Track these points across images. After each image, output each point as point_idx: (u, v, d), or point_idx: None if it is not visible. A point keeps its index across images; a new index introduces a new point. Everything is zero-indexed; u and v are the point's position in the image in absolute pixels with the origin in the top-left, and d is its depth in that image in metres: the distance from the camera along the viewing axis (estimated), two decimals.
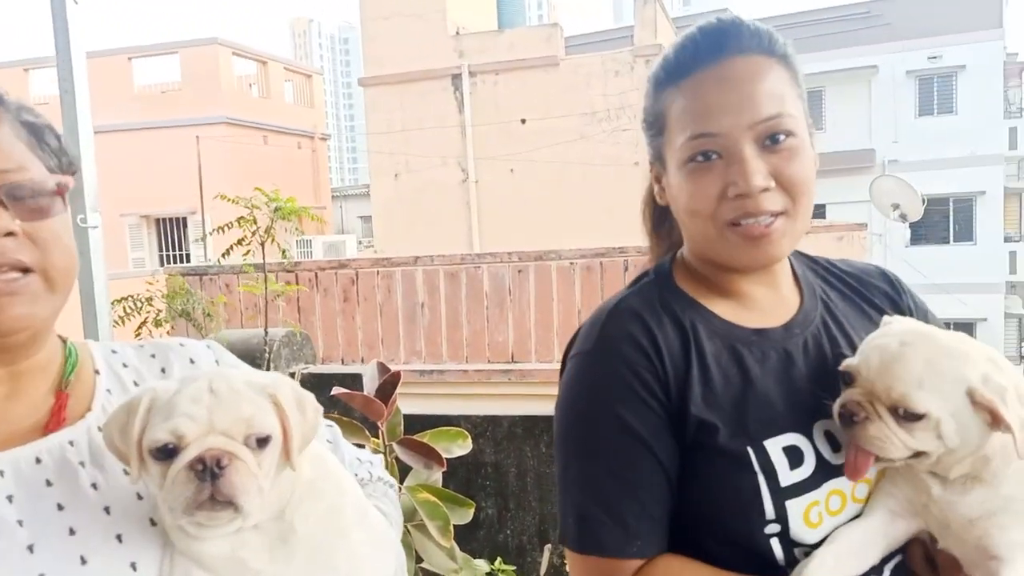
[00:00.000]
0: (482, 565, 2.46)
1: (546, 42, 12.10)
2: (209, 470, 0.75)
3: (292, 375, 3.12)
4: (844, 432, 0.97)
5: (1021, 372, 1.03)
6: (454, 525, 2.54)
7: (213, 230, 2.69)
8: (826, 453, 0.99)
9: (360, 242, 17.64)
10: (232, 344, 2.99)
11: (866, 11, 21.90)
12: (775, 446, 0.97)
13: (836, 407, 0.97)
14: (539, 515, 2.96)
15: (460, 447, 2.64)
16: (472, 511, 2.57)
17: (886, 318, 1.06)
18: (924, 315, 1.14)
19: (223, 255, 2.66)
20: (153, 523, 0.83)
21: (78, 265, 0.89)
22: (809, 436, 0.99)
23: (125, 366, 0.96)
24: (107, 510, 0.82)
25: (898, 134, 21.53)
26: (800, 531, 0.95)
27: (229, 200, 2.66)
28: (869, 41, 21.43)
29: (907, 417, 0.91)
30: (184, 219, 14.66)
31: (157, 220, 14.52)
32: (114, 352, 0.98)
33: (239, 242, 2.67)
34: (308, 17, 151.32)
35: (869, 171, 19.13)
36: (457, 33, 12.41)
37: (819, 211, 21.37)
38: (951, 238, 21.25)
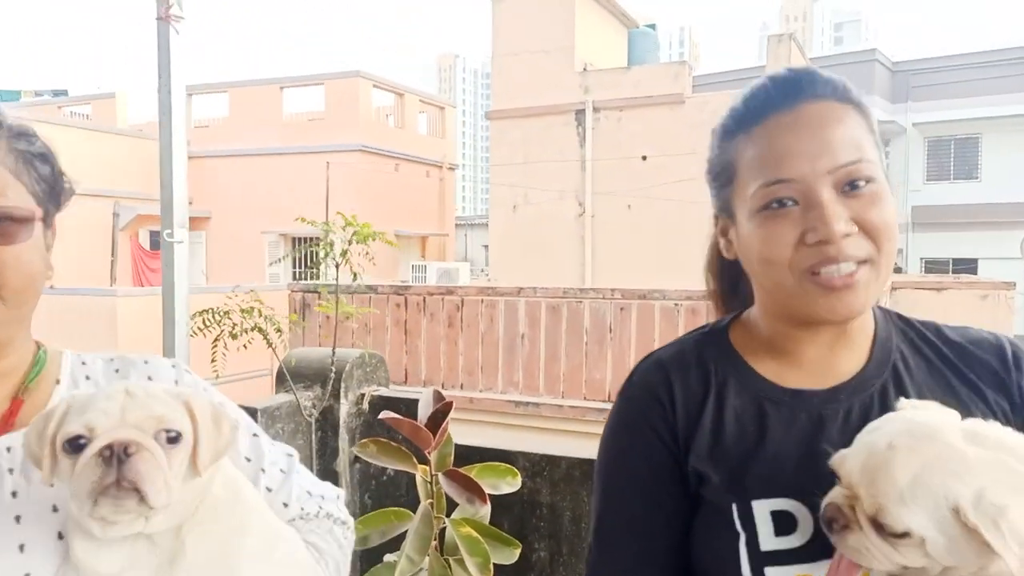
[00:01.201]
0: None
1: (673, 79, 11.98)
2: (116, 456, 0.76)
3: (362, 396, 3.19)
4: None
5: None
6: (501, 565, 2.50)
7: (285, 254, 2.79)
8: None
9: (483, 270, 17.98)
10: (300, 362, 3.09)
11: None
12: (763, 507, 0.92)
13: (822, 507, 0.88)
14: None
15: (509, 484, 2.60)
16: (518, 551, 2.51)
17: (901, 402, 0.93)
18: None
19: (299, 276, 2.75)
20: (60, 537, 0.84)
21: (38, 284, 0.93)
22: (813, 507, 0.90)
23: (88, 378, 1.00)
24: (17, 519, 0.84)
25: None
26: None
27: (308, 222, 2.77)
28: None
29: (893, 535, 0.81)
30: (317, 238, 15.50)
31: (294, 239, 15.39)
32: (83, 363, 1.02)
33: (314, 263, 2.76)
34: (455, 53, 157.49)
35: None
36: (584, 69, 12.52)
37: (970, 266, 19.89)
38: None
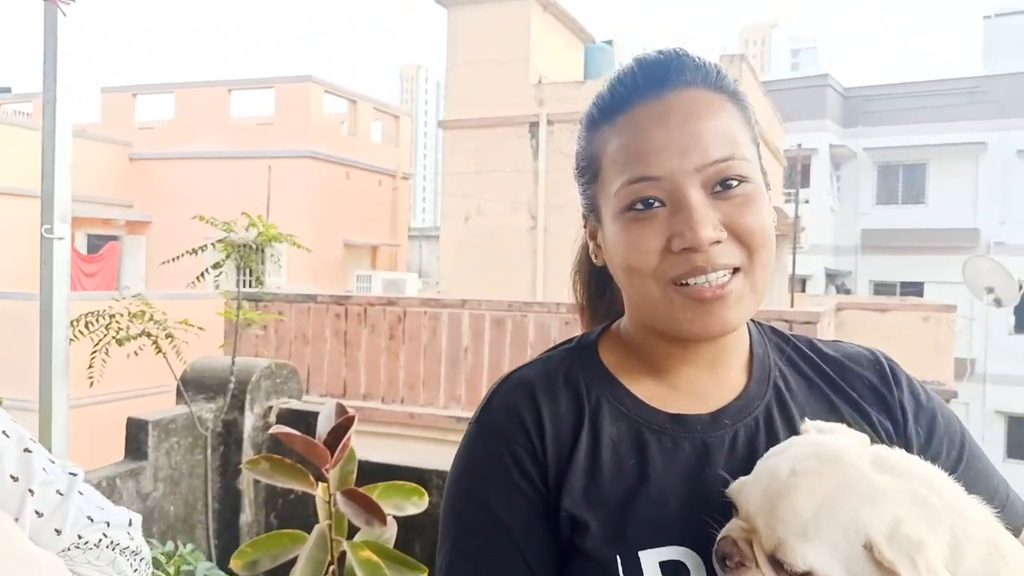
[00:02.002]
0: None
1: None
2: None
3: (269, 409, 2.99)
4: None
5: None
6: None
7: (182, 253, 2.59)
8: None
9: (438, 283, 17.76)
10: (203, 371, 2.88)
11: (975, 86, 21.02)
12: (651, 559, 0.79)
13: (716, 543, 0.77)
14: None
15: (415, 505, 2.43)
16: None
17: (805, 423, 0.82)
18: (930, 419, 0.90)
19: (197, 279, 2.56)
20: None
21: None
22: (704, 552, 0.79)
23: None
24: None
25: (1006, 215, 20.40)
26: None
27: (207, 221, 2.57)
28: (978, 117, 20.51)
29: (790, 571, 0.70)
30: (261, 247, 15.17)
31: (239, 247, 15.00)
32: None
33: (215, 266, 2.56)
34: (417, 64, 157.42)
35: (972, 251, 18.05)
36: (539, 82, 12.46)
37: (916, 289, 20.32)
38: None
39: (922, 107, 21.67)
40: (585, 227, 0.96)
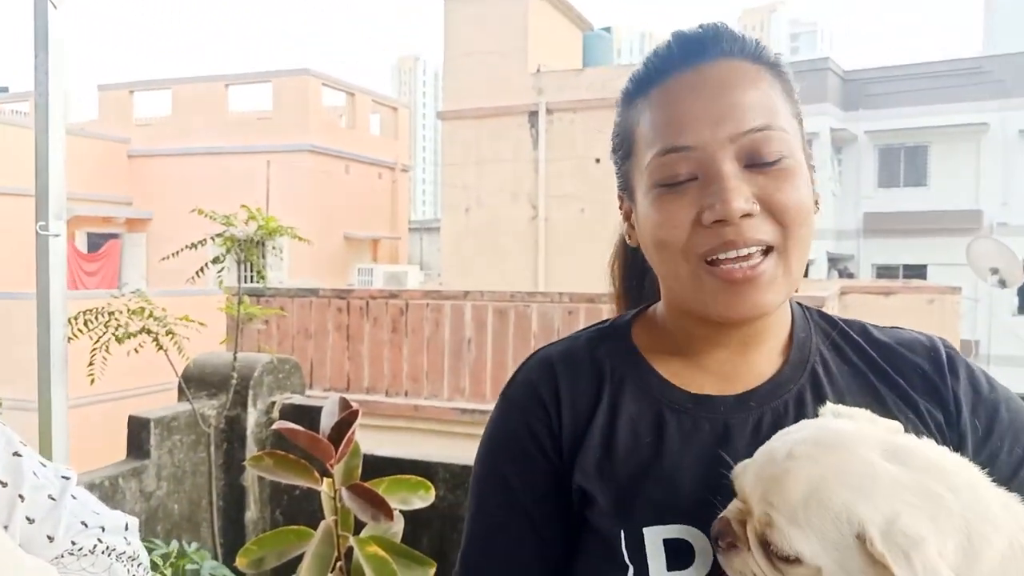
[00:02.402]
0: None
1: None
2: None
3: (272, 404, 2.97)
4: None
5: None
6: None
7: (181, 248, 2.56)
8: None
9: (439, 275, 17.74)
10: (205, 368, 2.86)
11: (977, 66, 20.88)
12: (655, 536, 0.78)
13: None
14: None
15: (421, 499, 2.40)
16: (432, 571, 2.32)
17: (825, 407, 0.79)
18: (991, 412, 0.84)
19: (196, 275, 2.53)
20: None
21: None
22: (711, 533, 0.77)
23: None
24: None
25: (1008, 195, 20.31)
26: None
27: (206, 215, 2.54)
28: (979, 98, 20.38)
29: (780, 558, 0.68)
30: (262, 240, 15.16)
31: (239, 241, 15.00)
32: None
33: (215, 261, 2.53)
34: (415, 55, 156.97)
35: (975, 233, 18.00)
36: (538, 71, 12.40)
37: (919, 272, 20.26)
38: None
39: (923, 89, 21.54)
40: (620, 208, 0.94)
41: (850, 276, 20.39)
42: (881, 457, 0.68)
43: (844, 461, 0.68)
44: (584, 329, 0.97)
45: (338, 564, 2.34)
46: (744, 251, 0.77)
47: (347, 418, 2.36)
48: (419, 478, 2.41)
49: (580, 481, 0.83)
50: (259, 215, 2.46)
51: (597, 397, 0.87)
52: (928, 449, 0.71)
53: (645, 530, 0.79)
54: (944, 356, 0.88)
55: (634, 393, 0.87)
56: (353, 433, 2.35)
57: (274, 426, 2.16)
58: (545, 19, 13.10)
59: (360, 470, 2.42)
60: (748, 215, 0.76)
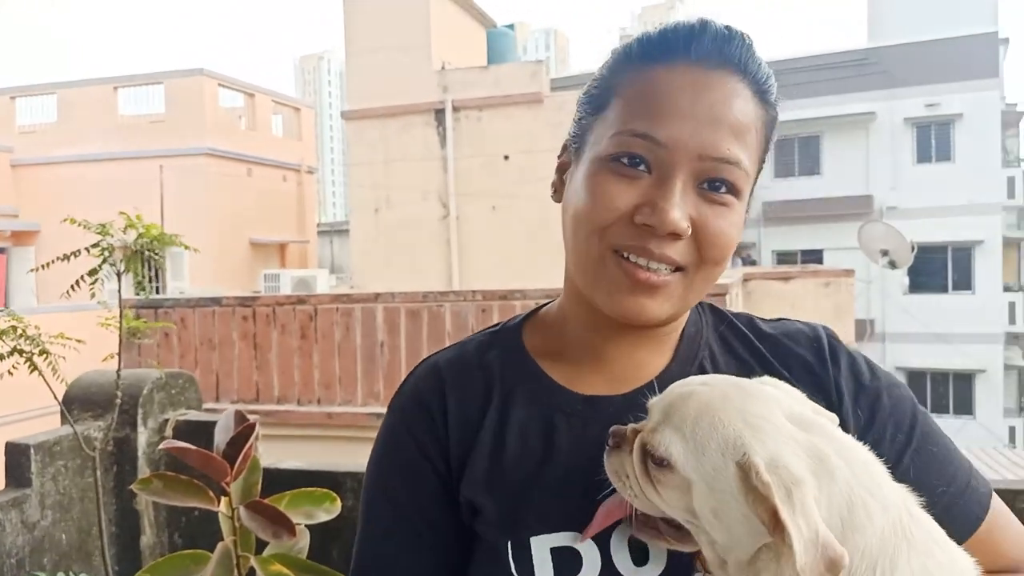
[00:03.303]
0: None
1: (531, 79, 11.97)
2: None
3: (165, 422, 2.80)
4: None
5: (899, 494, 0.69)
6: None
7: (52, 260, 2.38)
8: (623, 566, 0.76)
9: (352, 278, 17.39)
10: (89, 387, 2.67)
11: (863, 58, 21.96)
12: (542, 545, 0.77)
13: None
14: None
15: (326, 511, 2.31)
16: None
17: (764, 378, 0.78)
18: (873, 399, 0.84)
19: (71, 289, 2.35)
20: None
21: None
22: (603, 540, 0.77)
23: None
24: None
25: (896, 181, 21.46)
26: None
27: (79, 224, 2.37)
28: (867, 88, 21.46)
29: (654, 459, 0.69)
30: (143, 250, 14.51)
31: (118, 250, 14.30)
32: None
33: (91, 272, 2.36)
34: (318, 54, 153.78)
35: (867, 217, 18.95)
36: (442, 68, 12.32)
37: (816, 256, 21.19)
38: (949, 287, 21.01)
39: (814, 81, 22.50)
40: (559, 157, 0.89)
41: (752, 263, 21.15)
42: (785, 417, 0.68)
43: (748, 402, 0.69)
44: (475, 333, 0.95)
45: None
46: (654, 265, 0.76)
47: (244, 432, 2.24)
48: (324, 490, 2.31)
49: (467, 493, 0.81)
50: (138, 223, 2.30)
51: (486, 405, 0.85)
52: (833, 428, 0.71)
53: (532, 540, 0.77)
54: (827, 346, 0.88)
55: (524, 398, 0.85)
56: (251, 448, 2.24)
57: (162, 446, 2.02)
58: (448, 16, 13.02)
59: (260, 486, 2.31)
60: (676, 236, 0.75)
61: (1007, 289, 21.94)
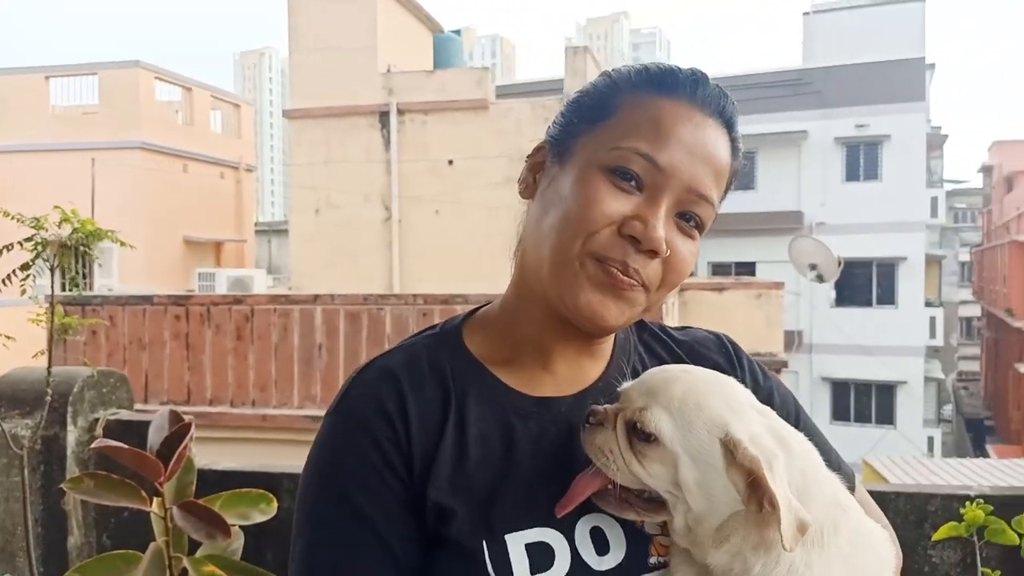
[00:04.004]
0: None
1: (477, 85, 12.03)
2: None
3: (95, 421, 2.75)
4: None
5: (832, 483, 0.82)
6: None
7: (32, 261, 2.29)
8: (588, 556, 0.81)
9: (290, 279, 17.09)
10: (16, 385, 2.61)
11: (798, 78, 22.69)
12: (517, 542, 0.80)
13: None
14: None
15: (262, 512, 2.29)
16: None
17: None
18: (768, 396, 0.97)
19: (3, 283, 2.30)
20: None
21: None
22: (568, 533, 0.82)
23: None
24: None
25: (826, 197, 22.19)
26: None
27: (12, 217, 2.32)
28: (800, 107, 22.16)
29: (640, 435, 0.77)
30: (78, 245, 14.02)
31: (61, 245, 13.79)
32: None
33: (23, 267, 2.31)
34: (260, 50, 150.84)
35: (797, 232, 19.56)
36: (388, 71, 12.27)
37: (749, 269, 21.76)
38: (874, 301, 21.81)
39: (751, 99, 23.14)
40: (532, 156, 0.93)
41: (690, 274, 21.58)
42: (748, 402, 0.81)
43: (725, 389, 0.80)
44: (414, 336, 0.96)
45: None
46: (624, 279, 0.82)
47: (178, 432, 2.22)
48: (260, 491, 2.30)
49: (435, 497, 0.82)
50: (74, 217, 2.26)
51: (445, 408, 0.86)
52: (781, 420, 0.83)
53: (507, 537, 0.80)
54: (732, 351, 1.01)
55: (479, 401, 0.87)
56: (186, 448, 2.22)
57: (94, 444, 1.99)
58: (395, 18, 12.99)
59: (195, 487, 2.29)
60: (655, 254, 0.82)
61: (928, 304, 22.92)
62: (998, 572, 1.94)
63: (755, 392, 0.92)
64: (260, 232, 20.48)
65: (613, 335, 0.95)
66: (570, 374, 0.92)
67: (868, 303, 21.82)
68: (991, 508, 1.95)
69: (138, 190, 14.25)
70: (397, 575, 0.82)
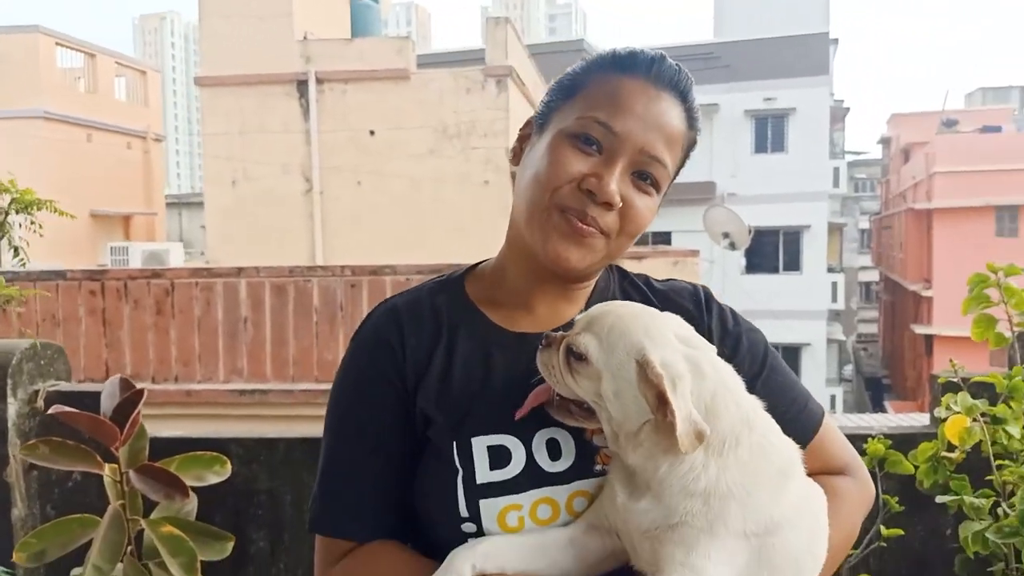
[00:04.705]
0: None
1: (398, 54, 11.88)
2: None
3: (35, 393, 2.72)
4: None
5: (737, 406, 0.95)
6: (212, 561, 2.27)
7: None
8: (541, 460, 0.98)
9: (202, 253, 16.57)
10: None
11: (709, 52, 23.26)
12: (480, 444, 0.98)
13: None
14: None
15: (216, 474, 2.36)
16: (231, 544, 2.30)
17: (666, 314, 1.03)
18: (735, 340, 1.12)
19: None
20: None
21: None
22: (527, 440, 0.99)
23: None
24: None
25: (736, 169, 22.91)
26: (494, 532, 0.95)
27: None
28: (712, 81, 22.73)
29: (575, 355, 0.93)
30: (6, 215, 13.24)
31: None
32: None
33: None
34: (160, 14, 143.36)
35: (710, 202, 20.17)
36: (305, 38, 11.97)
37: (664, 238, 22.32)
38: (780, 268, 22.77)
39: None
40: (522, 129, 1.10)
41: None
42: (674, 335, 0.94)
43: (649, 321, 0.95)
44: (426, 282, 1.16)
45: (128, 549, 2.25)
46: (583, 227, 0.98)
47: (131, 398, 2.26)
48: (213, 454, 2.36)
49: (423, 406, 1.02)
50: (12, 187, 2.23)
51: (436, 339, 1.06)
52: (707, 348, 0.97)
53: (472, 440, 0.99)
54: (703, 299, 1.16)
55: (467, 334, 1.06)
56: (139, 414, 2.26)
57: (51, 410, 2.01)
58: None
59: (147, 452, 2.33)
60: (610, 206, 0.98)
61: (830, 270, 24.11)
62: (895, 498, 2.18)
63: (722, 336, 1.11)
64: (170, 205, 19.76)
65: (594, 282, 1.12)
66: (548, 314, 1.09)
67: (775, 270, 22.78)
68: (890, 443, 2.20)
69: (40, 161, 13.50)
70: (390, 467, 1.02)
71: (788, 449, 0.96)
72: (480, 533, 0.96)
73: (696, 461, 0.88)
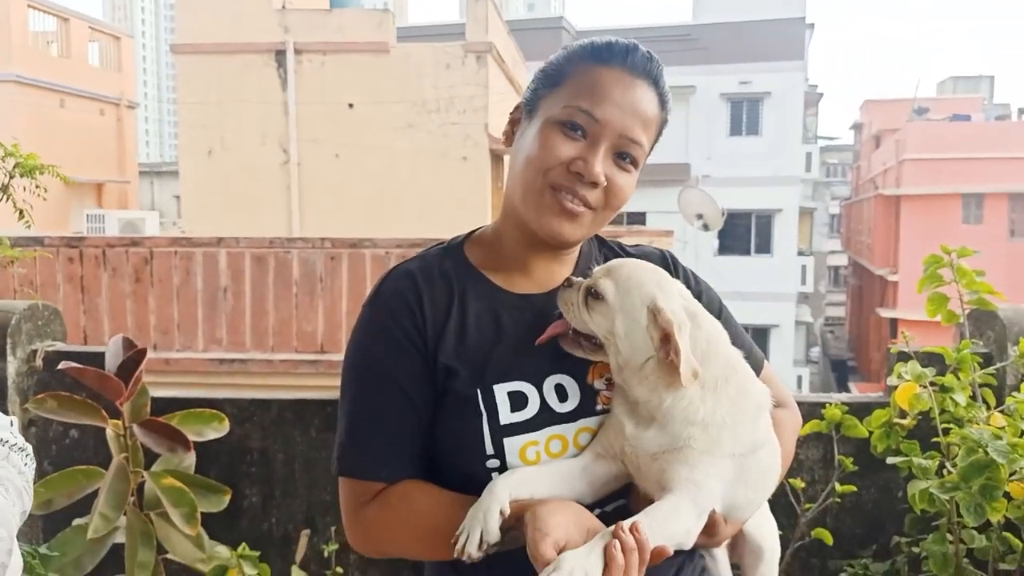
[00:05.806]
0: (223, 551, 2.31)
1: (377, 27, 11.84)
2: None
3: (35, 352, 2.80)
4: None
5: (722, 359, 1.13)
6: (210, 513, 2.39)
7: None
8: (552, 402, 1.14)
9: (175, 223, 16.43)
10: None
11: (687, 34, 23.33)
12: (502, 390, 1.12)
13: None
14: (307, 502, 2.84)
15: (215, 430, 2.47)
16: (227, 498, 2.42)
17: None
18: (697, 295, 1.26)
19: None
20: None
21: None
22: (539, 386, 1.14)
23: None
24: None
25: (711, 151, 23.09)
26: (516, 465, 1.09)
27: None
28: (688, 62, 22.82)
29: (593, 295, 1.10)
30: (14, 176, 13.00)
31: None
32: None
33: None
34: None
35: (684, 184, 20.35)
36: (283, 7, 11.87)
37: (640, 218, 22.52)
38: (752, 250, 23.08)
39: None
40: (512, 112, 1.23)
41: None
42: (678, 292, 1.13)
43: (660, 276, 1.13)
44: (429, 248, 1.28)
45: (131, 500, 2.37)
46: (576, 202, 1.13)
47: (134, 356, 2.36)
48: (212, 410, 2.47)
49: (444, 360, 1.14)
50: (16, 151, 2.30)
51: (450, 300, 1.18)
52: (702, 309, 1.16)
53: (494, 387, 1.13)
54: (670, 262, 1.33)
55: (475, 296, 1.20)
56: (141, 372, 2.36)
57: (60, 366, 2.11)
58: None
59: (149, 408, 2.44)
60: (595, 185, 1.12)
61: (800, 253, 24.48)
62: (850, 459, 2.36)
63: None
64: (142, 173, 19.52)
65: (579, 247, 1.27)
66: (544, 277, 1.23)
67: (747, 252, 23.08)
68: (846, 408, 2.37)
69: (11, 126, 13.23)
70: (412, 413, 1.14)
71: (761, 388, 1.16)
72: (503, 468, 1.09)
73: (695, 396, 1.05)
